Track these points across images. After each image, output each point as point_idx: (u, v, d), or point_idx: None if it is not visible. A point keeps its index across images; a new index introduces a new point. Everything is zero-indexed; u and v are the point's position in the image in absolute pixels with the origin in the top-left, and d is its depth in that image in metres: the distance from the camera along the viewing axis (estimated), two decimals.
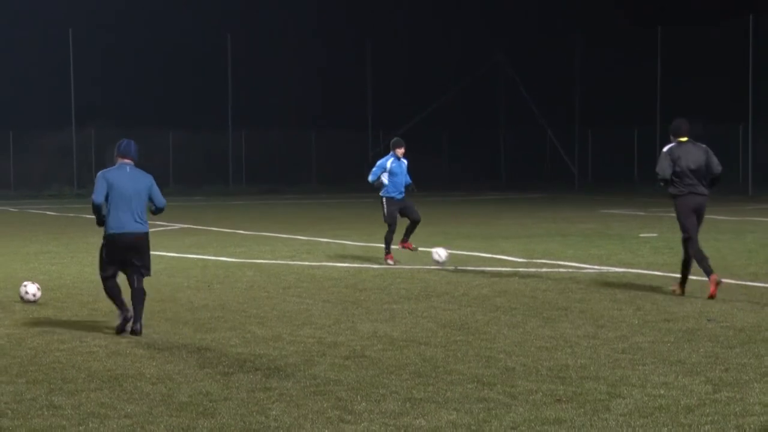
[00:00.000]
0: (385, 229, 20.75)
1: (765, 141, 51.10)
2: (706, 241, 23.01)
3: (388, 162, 21.21)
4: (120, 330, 12.77)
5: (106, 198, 13.18)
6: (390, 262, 20.50)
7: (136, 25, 58.52)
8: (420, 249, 20.69)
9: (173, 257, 21.54)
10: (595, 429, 8.10)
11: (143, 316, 12.80)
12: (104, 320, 13.36)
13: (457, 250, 22.59)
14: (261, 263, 20.36)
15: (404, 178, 21.45)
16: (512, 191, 53.23)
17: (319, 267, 19.63)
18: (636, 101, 57.52)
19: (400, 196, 21.21)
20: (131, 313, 12.82)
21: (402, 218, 20.96)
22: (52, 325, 13.01)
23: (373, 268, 19.33)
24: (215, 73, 58.65)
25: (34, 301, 14.78)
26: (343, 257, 21.30)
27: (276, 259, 21.01)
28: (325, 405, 8.91)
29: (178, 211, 37.63)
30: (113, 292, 13.20)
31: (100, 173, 13.47)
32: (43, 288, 16.20)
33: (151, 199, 13.53)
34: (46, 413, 8.67)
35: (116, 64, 57.41)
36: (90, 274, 18.52)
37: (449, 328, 12.69)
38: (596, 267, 19.25)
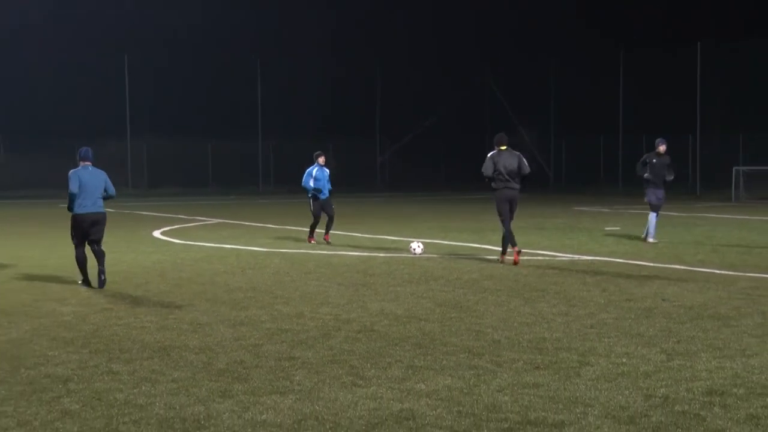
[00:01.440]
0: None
1: (710, 150, 51.41)
2: (662, 234, 23.03)
3: (314, 170, 23.12)
4: (86, 285, 15.11)
5: (80, 185, 15.43)
6: (312, 242, 22.51)
7: (183, 50, 58.40)
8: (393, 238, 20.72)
9: (212, 247, 21.57)
10: (568, 392, 8.11)
11: (105, 269, 15.21)
12: (155, 299, 13.40)
13: (452, 241, 22.62)
14: (286, 252, 20.38)
15: (326, 183, 23.22)
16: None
17: (334, 255, 19.64)
18: (601, 114, 57.71)
19: (323, 197, 22.99)
20: (88, 279, 15.14)
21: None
22: (110, 304, 13.05)
23: (380, 256, 19.33)
24: (248, 91, 58.63)
25: None
26: (354, 247, 21.30)
27: (298, 249, 21.02)
28: (340, 371, 8.94)
29: (216, 209, 37.74)
30: (81, 261, 15.39)
31: (71, 172, 15.67)
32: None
33: (105, 189, 15.86)
34: (106, 378, 8.71)
35: (165, 83, 57.29)
36: (143, 261, 18.58)
37: (445, 307, 12.69)
38: (568, 255, 19.24)
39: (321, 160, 23.47)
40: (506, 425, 7.21)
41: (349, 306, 12.82)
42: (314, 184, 23.08)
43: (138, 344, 10.23)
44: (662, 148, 22.86)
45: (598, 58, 58.76)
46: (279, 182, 56.91)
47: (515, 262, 17.63)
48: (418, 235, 23.11)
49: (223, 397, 8.04)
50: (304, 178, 23.41)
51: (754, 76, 51.49)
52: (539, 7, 62.73)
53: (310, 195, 23.23)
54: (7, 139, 55.22)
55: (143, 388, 8.33)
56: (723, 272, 16.23)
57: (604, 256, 18.88)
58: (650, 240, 22.03)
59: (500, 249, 18.32)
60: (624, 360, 9.31)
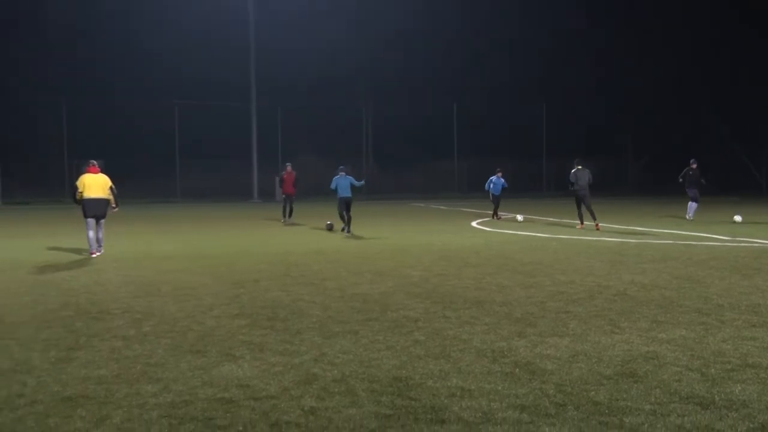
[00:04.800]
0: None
1: None
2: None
3: (493, 178, 27.61)
4: (345, 231, 21.37)
5: (336, 185, 21.51)
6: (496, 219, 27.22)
7: (496, 98, 58.31)
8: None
9: (510, 233, 21.55)
10: None
11: (351, 227, 21.41)
12: (473, 268, 13.56)
13: (685, 231, 21.41)
14: (561, 237, 20.04)
15: (500, 187, 27.51)
16: (718, 196, 49.61)
17: (597, 240, 19.09)
18: None
19: (497, 194, 27.48)
20: (347, 230, 21.23)
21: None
22: (443, 270, 13.34)
23: (631, 242, 18.59)
24: (534, 118, 57.90)
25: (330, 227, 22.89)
26: (612, 233, 20.60)
27: (570, 236, 20.60)
28: (602, 323, 8.72)
29: (512, 207, 37.53)
30: (342, 217, 21.40)
31: (333, 178, 21.69)
32: (439, 249, 16.64)
33: (352, 184, 21.49)
34: (441, 320, 8.95)
35: (480, 121, 57.61)
36: (464, 243, 18.83)
37: (680, 279, 12.06)
38: None
39: (499, 173, 27.79)
40: (729, 366, 6.78)
41: (608, 276, 12.46)
42: (493, 188, 27.36)
43: (461, 298, 10.44)
44: (694, 165, 26.70)
45: None
46: (558, 188, 55.88)
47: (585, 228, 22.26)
48: (658, 226, 22.10)
49: (519, 337, 8.06)
50: (486, 183, 27.83)
51: None
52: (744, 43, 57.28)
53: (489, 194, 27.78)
54: (376, 158, 58.00)
55: (465, 328, 8.50)
56: None
57: None
58: (689, 217, 26.06)
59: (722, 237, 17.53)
60: None
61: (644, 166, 59.28)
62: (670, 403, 5.79)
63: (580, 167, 23.19)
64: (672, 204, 38.46)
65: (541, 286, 11.51)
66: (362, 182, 22.44)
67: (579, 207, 23.06)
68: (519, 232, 21.74)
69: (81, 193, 16.29)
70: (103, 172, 16.71)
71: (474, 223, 25.96)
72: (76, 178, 16.78)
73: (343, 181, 21.61)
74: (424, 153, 56.12)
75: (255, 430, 5.28)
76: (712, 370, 6.68)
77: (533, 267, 13.79)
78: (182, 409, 5.72)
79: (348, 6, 55.09)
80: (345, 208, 21.45)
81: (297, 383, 6.37)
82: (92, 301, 10.39)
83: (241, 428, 5.31)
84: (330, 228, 22.39)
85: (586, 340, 7.87)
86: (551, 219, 27.86)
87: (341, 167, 22.23)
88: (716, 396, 5.96)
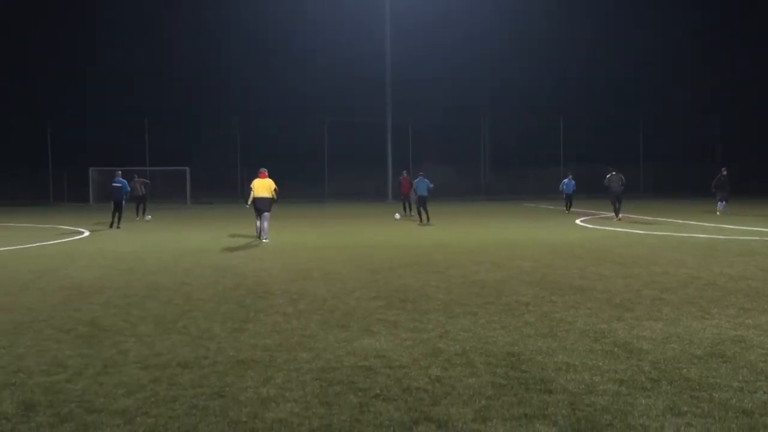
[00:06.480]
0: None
1: None
2: None
3: (565, 180, 28.80)
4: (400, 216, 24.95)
5: (416, 186, 23.40)
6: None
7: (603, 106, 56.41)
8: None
9: (607, 230, 20.78)
10: None
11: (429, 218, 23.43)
12: (574, 260, 13.18)
13: None
14: (656, 234, 19.11)
15: (571, 188, 28.78)
16: None
17: (690, 237, 18.09)
18: None
19: (569, 192, 28.87)
20: (423, 221, 23.08)
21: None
22: (551, 261, 13.05)
23: (720, 238, 17.51)
24: (631, 129, 55.53)
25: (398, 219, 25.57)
26: (701, 231, 19.49)
27: (664, 232, 19.64)
28: (693, 309, 8.30)
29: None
30: (419, 212, 23.25)
31: (415, 181, 23.89)
32: (548, 244, 16.27)
33: (427, 187, 23.27)
34: (549, 305, 8.74)
35: (583, 132, 55.73)
36: (567, 238, 18.30)
37: (766, 271, 11.28)
38: None
39: (570, 177, 28.99)
40: None
41: (699, 268, 11.81)
42: (565, 188, 28.85)
43: (567, 285, 10.19)
44: (725, 172, 26.55)
45: None
46: (657, 189, 53.26)
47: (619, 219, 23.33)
48: (743, 224, 20.70)
49: (618, 320, 7.79)
50: (560, 185, 29.24)
51: None
52: None
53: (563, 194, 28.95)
54: (492, 160, 57.50)
55: (570, 311, 8.29)
56: None
57: None
58: (719, 213, 26.00)
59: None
60: None
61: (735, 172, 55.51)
62: (757, 381, 5.47)
63: (614, 173, 24.37)
64: (757, 204, 35.93)
65: (638, 276, 11.05)
66: (432, 186, 23.96)
67: (614, 203, 24.25)
68: (618, 229, 20.94)
69: (252, 192, 17.45)
70: (269, 177, 17.76)
71: (578, 221, 25.18)
72: (250, 182, 17.93)
73: (421, 183, 23.59)
74: (535, 159, 55.10)
75: (390, 393, 5.37)
76: None
77: (631, 260, 13.26)
78: (330, 374, 5.90)
79: (465, 35, 55.08)
80: (422, 203, 23.48)
81: (425, 355, 6.43)
82: (258, 283, 10.86)
83: (378, 391, 5.42)
84: (399, 217, 26.03)
85: (679, 324, 7.52)
86: (647, 218, 26.65)
87: (421, 173, 24.27)
88: None
